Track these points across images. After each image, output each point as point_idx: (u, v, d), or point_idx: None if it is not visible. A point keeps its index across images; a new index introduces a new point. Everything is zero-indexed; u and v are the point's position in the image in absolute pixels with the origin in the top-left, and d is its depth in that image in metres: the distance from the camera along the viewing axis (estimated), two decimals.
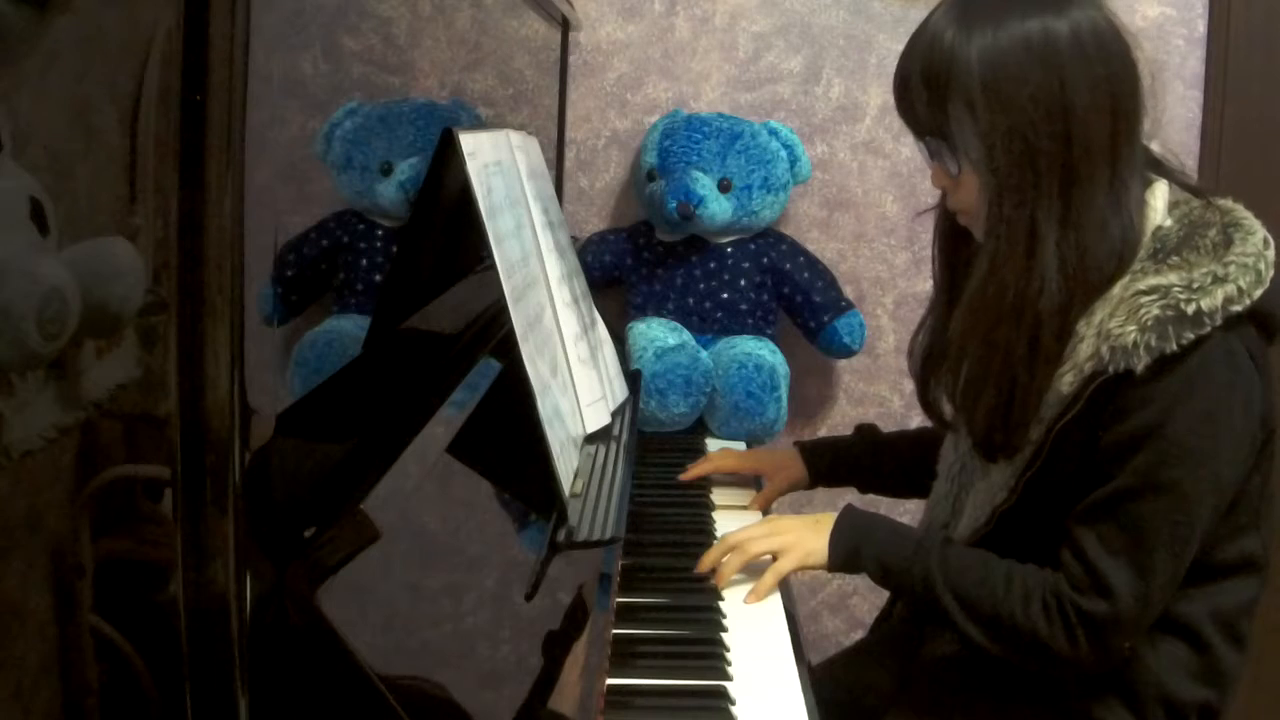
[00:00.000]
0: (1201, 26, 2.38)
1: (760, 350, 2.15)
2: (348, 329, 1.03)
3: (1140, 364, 1.21)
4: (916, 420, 2.44)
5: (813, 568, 1.42)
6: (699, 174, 2.18)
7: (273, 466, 0.72)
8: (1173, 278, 1.23)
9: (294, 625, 0.73)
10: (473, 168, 1.23)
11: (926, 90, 1.29)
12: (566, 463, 1.33)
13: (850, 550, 1.40)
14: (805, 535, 1.43)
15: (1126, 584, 1.24)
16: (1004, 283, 1.28)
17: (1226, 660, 1.34)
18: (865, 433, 1.75)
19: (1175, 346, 1.21)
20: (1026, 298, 1.27)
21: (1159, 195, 1.32)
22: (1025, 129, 1.25)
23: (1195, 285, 1.22)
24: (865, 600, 2.49)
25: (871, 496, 1.81)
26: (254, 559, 0.65)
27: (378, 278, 1.12)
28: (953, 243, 1.44)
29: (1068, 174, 1.25)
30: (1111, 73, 1.27)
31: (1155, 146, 1.40)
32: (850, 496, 1.74)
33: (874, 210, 2.43)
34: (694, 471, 1.80)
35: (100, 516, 0.59)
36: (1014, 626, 1.28)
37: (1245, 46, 2.38)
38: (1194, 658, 1.33)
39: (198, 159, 0.61)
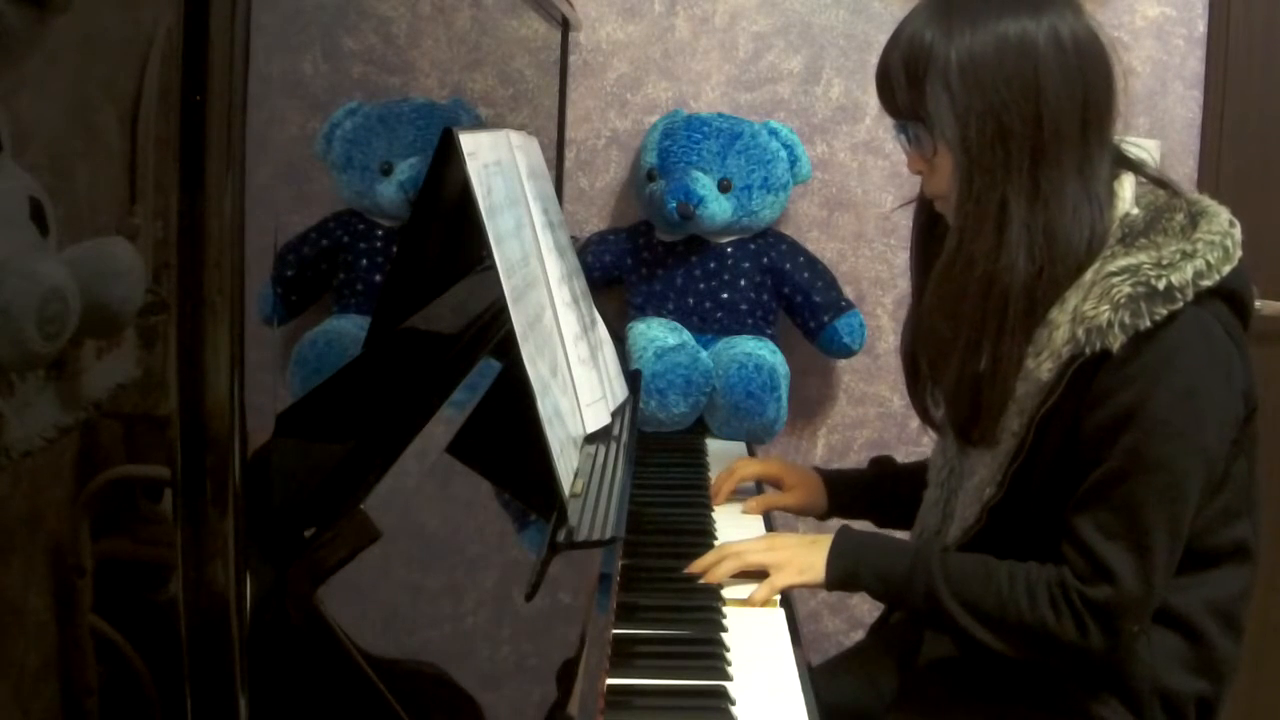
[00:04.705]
0: (1201, 26, 2.39)
1: (760, 350, 2.15)
2: (348, 329, 1.03)
3: (1116, 343, 1.23)
4: (916, 420, 2.44)
5: (808, 585, 1.43)
6: (699, 174, 2.18)
7: (273, 466, 0.72)
8: (1142, 257, 1.26)
9: (294, 625, 0.73)
10: (473, 168, 1.23)
11: (905, 74, 1.34)
12: (566, 463, 1.33)
13: (848, 569, 1.40)
14: (801, 552, 1.43)
15: (1128, 566, 1.25)
16: (972, 257, 1.31)
17: (1222, 650, 1.34)
18: (882, 465, 1.72)
19: (1148, 322, 1.23)
20: (994, 273, 1.30)
21: (1126, 186, 1.34)
22: (999, 109, 1.28)
23: (1165, 262, 1.25)
24: (865, 600, 2.47)
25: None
26: (254, 559, 0.65)
27: (378, 278, 1.12)
28: (929, 234, 1.47)
29: (1038, 156, 1.29)
30: (1084, 66, 1.30)
31: (1153, 150, 1.42)
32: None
33: (874, 210, 2.43)
34: (725, 489, 1.75)
35: (100, 516, 0.59)
36: (1022, 623, 1.29)
37: (1245, 46, 2.38)
38: (1189, 649, 1.34)
39: (198, 159, 0.61)
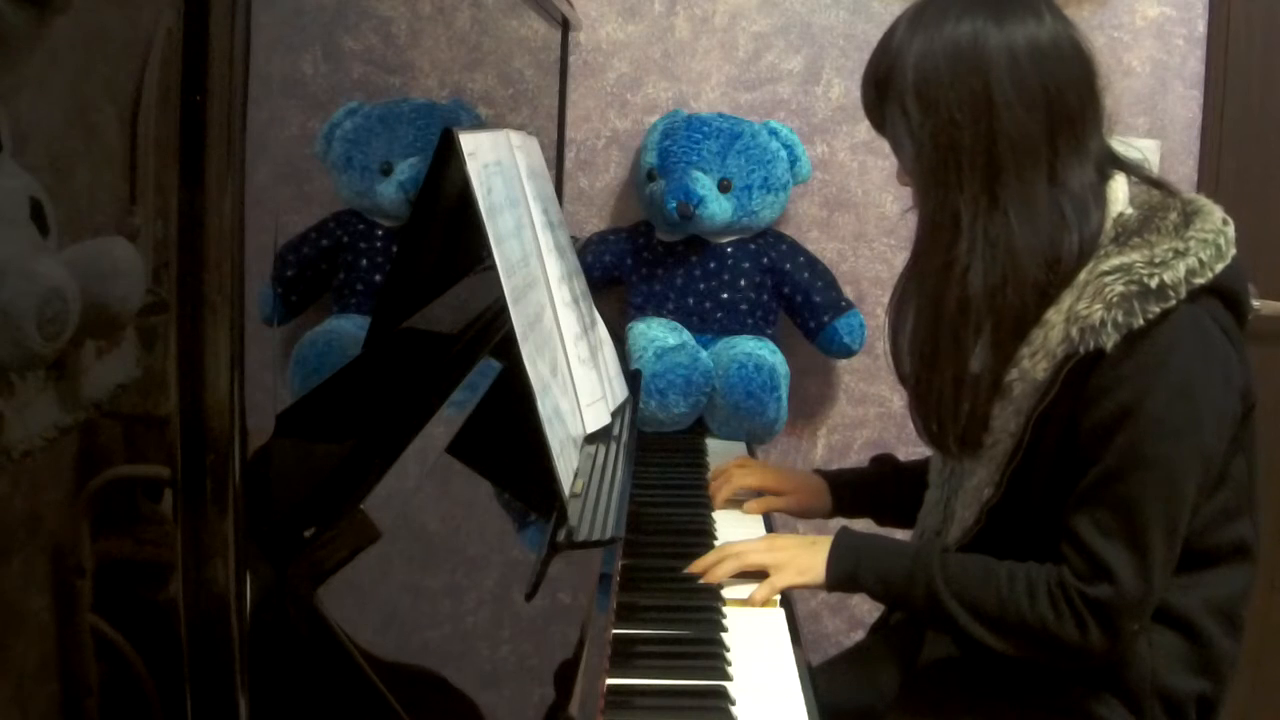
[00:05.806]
0: (1201, 26, 2.38)
1: (760, 350, 2.15)
2: (348, 329, 1.03)
3: (1110, 342, 1.23)
4: None
5: (808, 585, 1.43)
6: (699, 174, 2.18)
7: (273, 466, 0.72)
8: (1135, 256, 1.26)
9: (294, 625, 0.73)
10: (473, 168, 1.23)
11: (875, 91, 1.37)
12: (566, 463, 1.33)
13: (848, 570, 1.41)
14: (801, 553, 1.44)
15: (1126, 565, 1.25)
16: (924, 273, 1.34)
17: (1222, 649, 1.34)
18: (884, 463, 1.72)
19: (1142, 321, 1.23)
20: (944, 289, 1.32)
21: (1119, 187, 1.34)
22: (950, 128, 1.29)
23: (1157, 260, 1.25)
24: (865, 600, 2.46)
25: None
26: (254, 559, 0.65)
27: (378, 278, 1.12)
28: None
29: (994, 171, 1.29)
30: (1047, 74, 1.29)
31: (1153, 150, 1.43)
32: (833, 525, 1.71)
33: (874, 210, 2.43)
34: (722, 496, 1.74)
35: (100, 516, 0.59)
36: (1022, 623, 1.29)
37: (1245, 46, 2.38)
38: (1189, 649, 1.34)
39: (198, 159, 0.61)
